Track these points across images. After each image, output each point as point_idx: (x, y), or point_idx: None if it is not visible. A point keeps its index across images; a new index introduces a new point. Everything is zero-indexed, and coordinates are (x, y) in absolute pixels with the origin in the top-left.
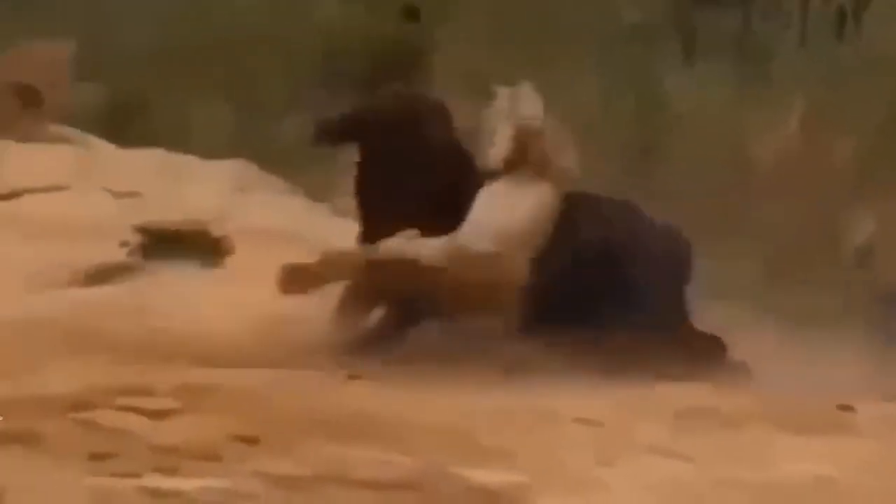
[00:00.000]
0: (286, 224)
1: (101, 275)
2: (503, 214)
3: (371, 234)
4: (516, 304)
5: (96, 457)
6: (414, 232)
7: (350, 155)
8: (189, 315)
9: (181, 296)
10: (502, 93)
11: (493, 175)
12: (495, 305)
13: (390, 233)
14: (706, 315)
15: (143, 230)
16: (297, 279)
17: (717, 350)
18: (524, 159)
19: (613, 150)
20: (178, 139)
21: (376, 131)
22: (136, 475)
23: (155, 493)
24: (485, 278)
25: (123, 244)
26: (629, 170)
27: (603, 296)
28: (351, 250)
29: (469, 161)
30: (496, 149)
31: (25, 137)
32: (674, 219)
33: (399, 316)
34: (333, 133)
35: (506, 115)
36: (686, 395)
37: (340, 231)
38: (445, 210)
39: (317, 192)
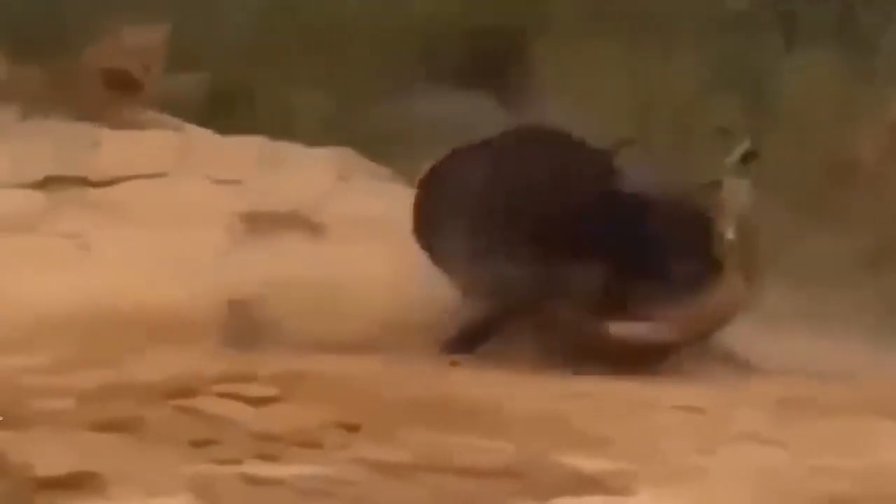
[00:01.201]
0: (387, 211)
1: (200, 262)
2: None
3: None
4: None
5: (197, 444)
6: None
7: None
8: (289, 303)
9: (281, 283)
10: (724, 188)
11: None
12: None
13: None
14: (805, 301)
15: (243, 218)
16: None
17: None
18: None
19: (713, 138)
20: (279, 127)
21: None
22: (237, 462)
23: (255, 480)
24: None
25: (223, 232)
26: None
27: None
28: None
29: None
30: (720, 250)
31: (123, 124)
32: (775, 208)
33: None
34: None
35: (729, 215)
36: (784, 384)
37: None
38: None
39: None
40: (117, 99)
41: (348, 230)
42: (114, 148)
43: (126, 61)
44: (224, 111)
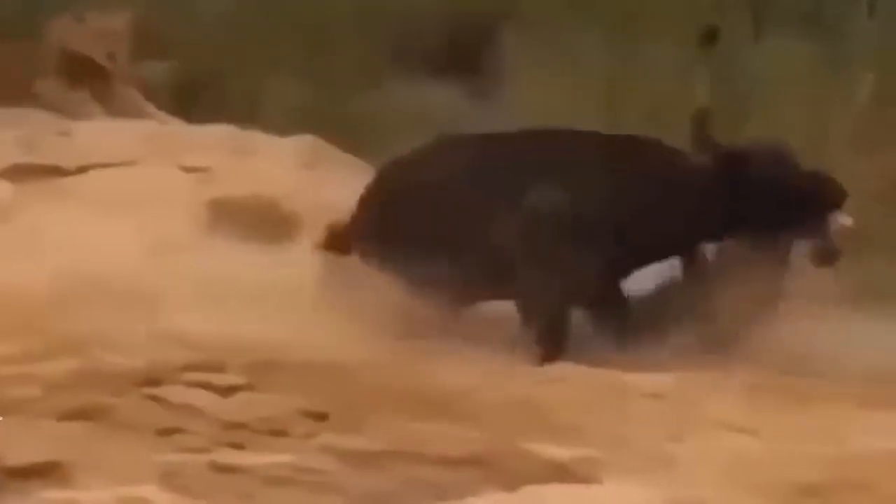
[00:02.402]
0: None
1: (170, 250)
2: None
3: None
4: None
5: (164, 432)
6: None
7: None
8: (258, 291)
9: (249, 272)
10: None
11: None
12: None
13: None
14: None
15: (212, 205)
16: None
17: None
18: None
19: (686, 124)
20: (249, 115)
21: None
22: (205, 451)
23: (223, 468)
24: None
25: (192, 219)
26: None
27: None
28: None
29: None
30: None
31: (93, 111)
32: None
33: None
34: None
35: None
36: (755, 372)
37: None
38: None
39: None
40: (82, 85)
41: (317, 219)
42: (84, 136)
43: (88, 47)
44: (193, 98)
